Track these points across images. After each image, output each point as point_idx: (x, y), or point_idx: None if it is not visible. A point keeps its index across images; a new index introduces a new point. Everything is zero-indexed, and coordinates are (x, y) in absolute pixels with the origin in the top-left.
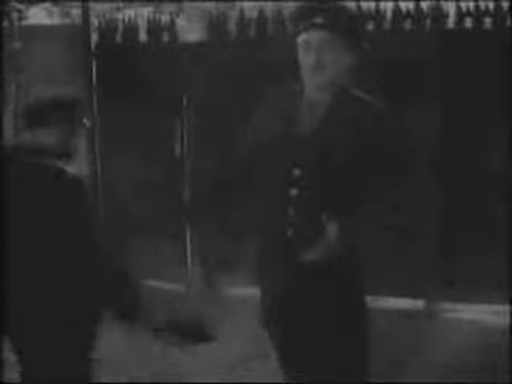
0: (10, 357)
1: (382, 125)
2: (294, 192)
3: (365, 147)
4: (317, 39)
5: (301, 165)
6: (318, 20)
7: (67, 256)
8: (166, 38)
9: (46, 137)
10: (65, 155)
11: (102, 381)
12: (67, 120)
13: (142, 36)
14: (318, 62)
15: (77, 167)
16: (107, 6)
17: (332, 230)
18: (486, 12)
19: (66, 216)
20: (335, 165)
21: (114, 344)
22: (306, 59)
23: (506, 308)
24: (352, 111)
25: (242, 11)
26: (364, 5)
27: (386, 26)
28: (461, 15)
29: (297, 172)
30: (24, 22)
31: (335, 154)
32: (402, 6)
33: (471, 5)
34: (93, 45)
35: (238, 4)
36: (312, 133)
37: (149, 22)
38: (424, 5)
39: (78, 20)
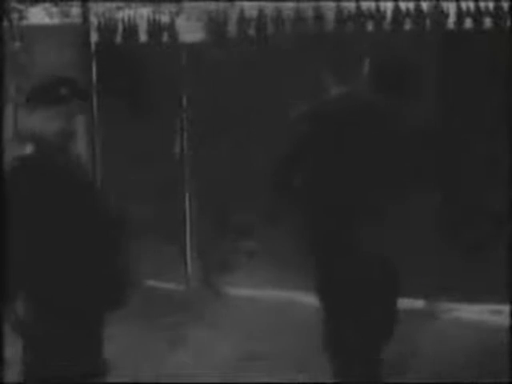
0: (10, 356)
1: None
2: None
3: None
4: None
5: None
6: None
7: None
8: (165, 37)
9: (48, 118)
10: (66, 140)
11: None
12: (68, 99)
13: (142, 36)
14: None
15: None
16: (107, 5)
17: None
18: (486, 12)
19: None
20: None
21: (115, 344)
22: None
23: (505, 308)
24: None
25: (242, 11)
26: (364, 5)
27: (386, 26)
28: (461, 15)
29: None
30: (24, 22)
31: None
32: (402, 6)
33: (471, 5)
34: (93, 45)
35: (238, 4)
36: None
37: (148, 21)
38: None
39: (77, 20)
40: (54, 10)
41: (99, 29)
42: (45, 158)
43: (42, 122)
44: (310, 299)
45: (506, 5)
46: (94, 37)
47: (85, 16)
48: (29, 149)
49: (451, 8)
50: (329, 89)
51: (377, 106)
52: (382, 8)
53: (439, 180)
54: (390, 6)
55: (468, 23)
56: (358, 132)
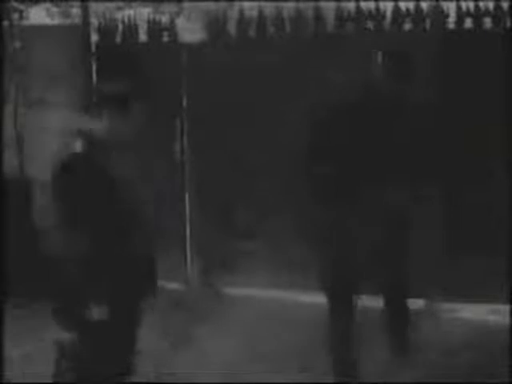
0: (11, 354)
1: None
2: None
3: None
4: None
5: None
6: None
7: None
8: (165, 38)
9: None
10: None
11: None
12: (132, 107)
13: (142, 36)
14: None
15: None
16: (107, 6)
17: None
18: (486, 12)
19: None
20: None
21: None
22: None
23: (505, 308)
24: None
25: (241, 11)
26: (364, 5)
27: (386, 26)
28: (461, 15)
29: None
30: (24, 22)
31: None
32: (402, 5)
33: (471, 5)
34: (93, 45)
35: (238, 4)
36: None
37: (149, 22)
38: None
39: (78, 20)
40: (55, 10)
41: (99, 29)
42: (89, 156)
43: (100, 123)
44: (310, 299)
45: (506, 5)
46: (93, 37)
47: (85, 16)
48: (77, 147)
49: (451, 8)
50: (334, 79)
51: (389, 93)
52: (381, 8)
53: (442, 175)
54: (389, 6)
55: (468, 23)
56: (372, 118)
